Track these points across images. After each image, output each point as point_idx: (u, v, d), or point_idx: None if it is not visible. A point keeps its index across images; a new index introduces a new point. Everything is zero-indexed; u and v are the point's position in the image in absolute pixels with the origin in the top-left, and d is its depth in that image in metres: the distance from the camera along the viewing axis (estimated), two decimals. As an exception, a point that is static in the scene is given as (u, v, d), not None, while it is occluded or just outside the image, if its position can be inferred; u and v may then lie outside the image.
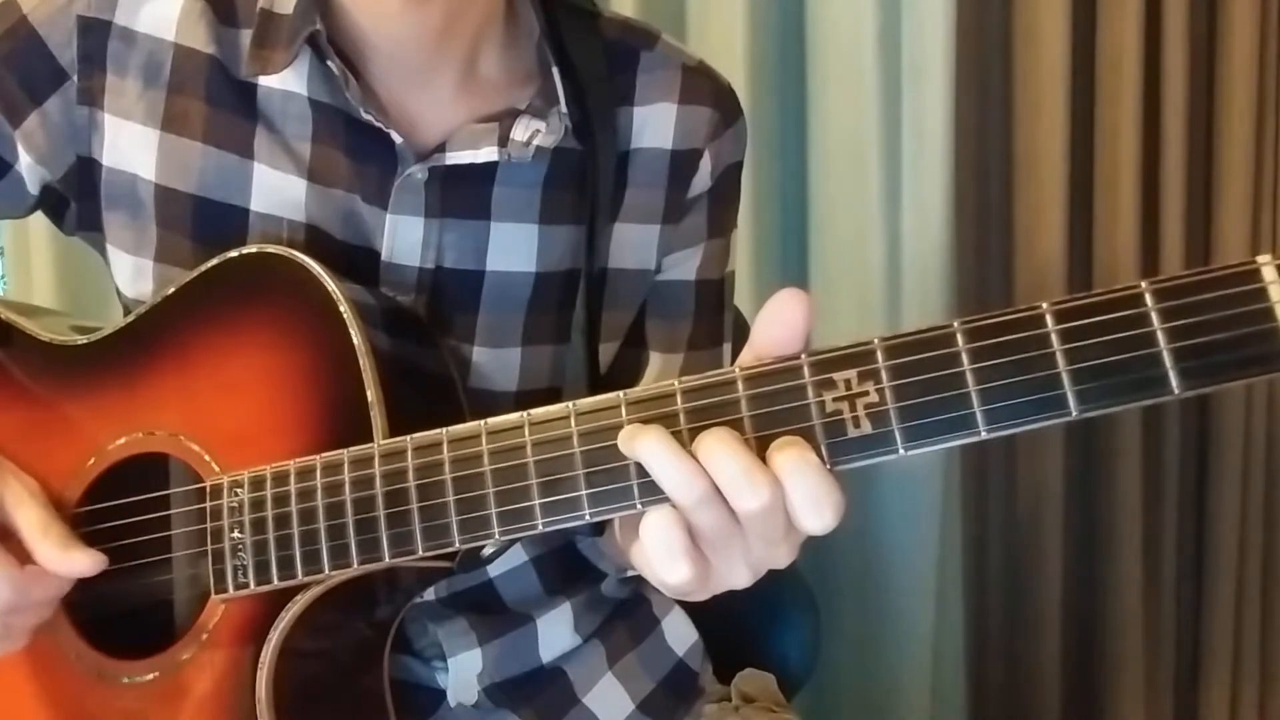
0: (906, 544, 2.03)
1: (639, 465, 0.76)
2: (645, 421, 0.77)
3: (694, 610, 1.33)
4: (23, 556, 0.93)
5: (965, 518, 2.10)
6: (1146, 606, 2.18)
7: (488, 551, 0.97)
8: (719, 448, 0.73)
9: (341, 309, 0.93)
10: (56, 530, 0.94)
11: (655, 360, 1.17)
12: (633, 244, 1.14)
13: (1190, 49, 2.04)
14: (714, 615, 1.34)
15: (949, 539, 2.06)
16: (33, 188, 1.09)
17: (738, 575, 0.79)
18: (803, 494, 0.73)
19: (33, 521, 0.94)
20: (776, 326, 0.76)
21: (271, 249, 0.98)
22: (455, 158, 1.04)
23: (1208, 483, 2.19)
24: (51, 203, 1.11)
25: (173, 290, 1.01)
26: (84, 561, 0.93)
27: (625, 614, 1.27)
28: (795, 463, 0.72)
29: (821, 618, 1.59)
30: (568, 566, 1.23)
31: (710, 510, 0.74)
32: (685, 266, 1.17)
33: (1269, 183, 2.12)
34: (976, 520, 2.16)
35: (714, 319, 1.20)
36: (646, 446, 0.75)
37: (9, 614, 0.93)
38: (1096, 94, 2.08)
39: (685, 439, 0.76)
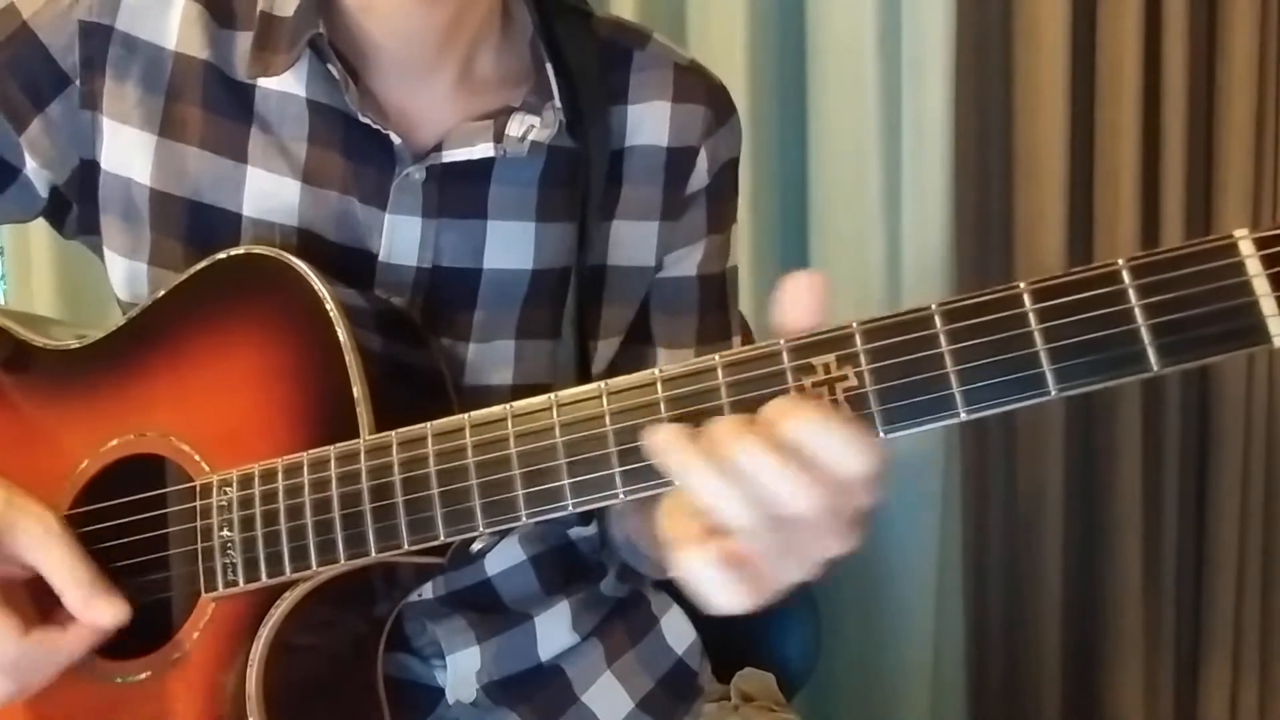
0: (906, 544, 2.03)
1: (620, 454, 0.77)
2: (626, 411, 0.77)
3: (693, 609, 1.33)
4: (41, 605, 0.92)
5: (965, 518, 2.09)
6: (1146, 606, 2.17)
7: (477, 546, 0.97)
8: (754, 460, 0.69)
9: (328, 307, 0.93)
10: (84, 575, 0.92)
11: (663, 355, 1.17)
12: (631, 241, 1.15)
13: (1190, 49, 2.04)
14: (713, 614, 1.34)
15: (949, 539, 2.05)
16: (42, 190, 1.09)
17: (794, 576, 0.73)
18: (835, 460, 0.68)
19: (58, 568, 0.92)
20: (793, 310, 0.73)
21: (259, 250, 0.98)
22: (451, 155, 1.04)
23: (1208, 483, 2.19)
24: (56, 206, 1.12)
25: (163, 293, 1.02)
26: (106, 615, 0.92)
27: (624, 612, 1.27)
28: (813, 435, 0.68)
29: (821, 618, 1.59)
30: (566, 565, 1.23)
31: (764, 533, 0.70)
32: (687, 263, 1.18)
33: (1269, 182, 2.12)
34: (976, 520, 2.16)
35: (720, 313, 1.21)
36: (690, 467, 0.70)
37: (24, 676, 0.92)
38: (1096, 94, 2.07)
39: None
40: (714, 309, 1.20)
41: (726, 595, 0.70)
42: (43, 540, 0.92)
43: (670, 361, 1.13)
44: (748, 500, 0.68)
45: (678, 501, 0.73)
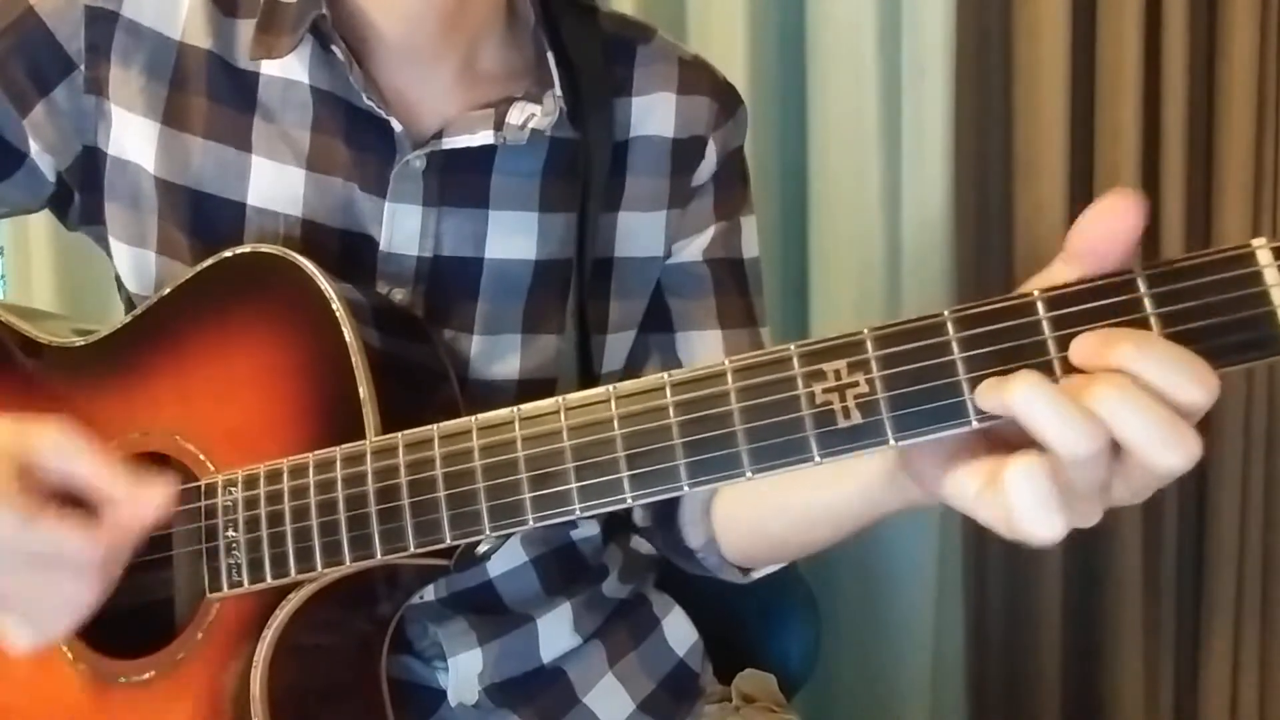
0: (906, 543, 2.03)
1: (628, 458, 0.76)
2: (634, 415, 0.77)
3: (694, 610, 1.33)
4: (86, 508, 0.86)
5: (965, 517, 2.08)
6: (1146, 606, 2.17)
7: (483, 549, 0.97)
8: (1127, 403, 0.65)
9: (334, 307, 0.93)
10: (119, 471, 0.86)
11: (685, 341, 1.18)
12: (638, 232, 1.15)
13: (1190, 49, 2.03)
14: (714, 615, 1.35)
15: (949, 538, 2.05)
16: (49, 175, 1.10)
17: (1093, 518, 0.70)
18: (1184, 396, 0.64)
19: (92, 468, 0.86)
20: (1096, 236, 0.68)
21: (266, 248, 0.98)
22: (452, 143, 1.05)
23: (1208, 483, 2.19)
24: (59, 194, 1.12)
25: (168, 291, 1.02)
26: (158, 498, 0.85)
27: (626, 614, 1.28)
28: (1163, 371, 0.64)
29: (821, 618, 1.58)
30: (567, 567, 1.23)
31: (1097, 467, 0.66)
32: (693, 248, 1.19)
33: (1269, 182, 2.11)
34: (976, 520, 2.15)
35: (740, 299, 1.20)
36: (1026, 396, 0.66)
37: (110, 572, 0.86)
38: (1096, 94, 2.07)
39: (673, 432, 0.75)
40: (732, 293, 1.20)
41: (1052, 520, 0.66)
42: (68, 446, 0.86)
43: (695, 347, 1.16)
44: (1095, 434, 0.64)
45: (970, 462, 0.72)
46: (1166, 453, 0.64)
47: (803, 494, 0.97)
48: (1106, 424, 0.64)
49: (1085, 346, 0.66)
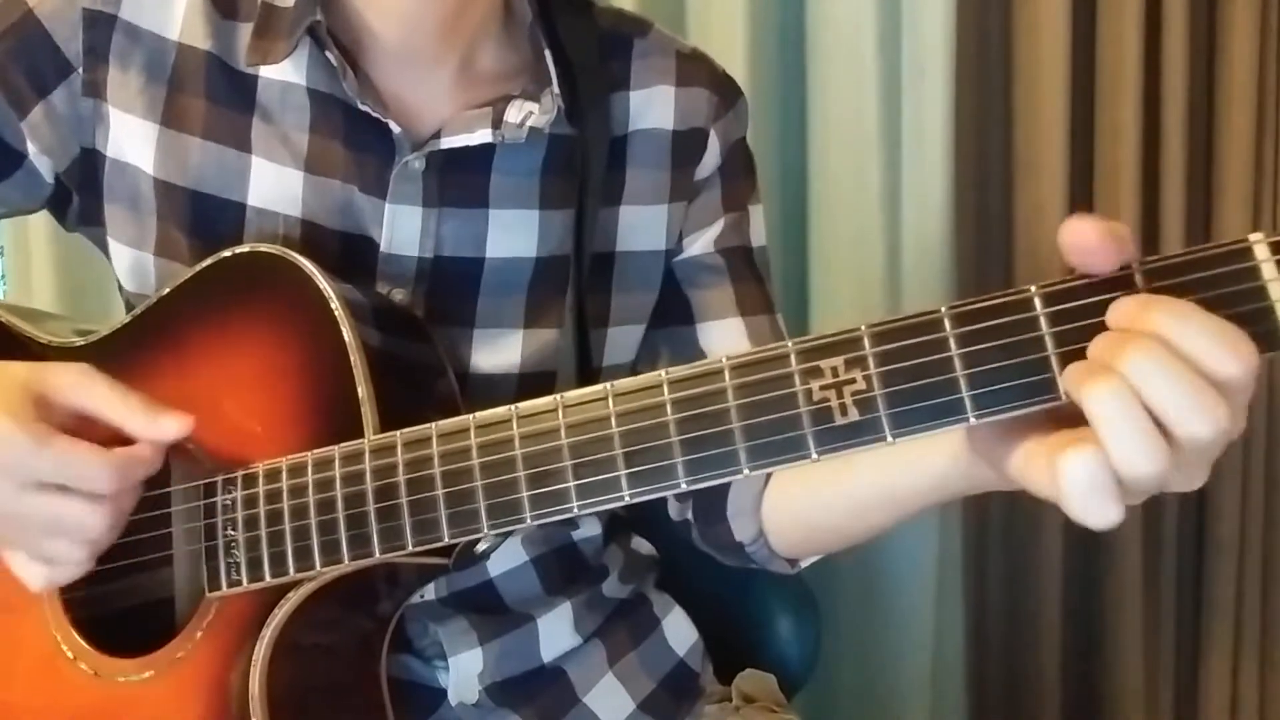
0: (906, 543, 2.02)
1: (626, 456, 0.76)
2: (632, 413, 0.77)
3: (694, 610, 1.33)
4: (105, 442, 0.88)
5: (965, 518, 2.09)
6: (1146, 606, 2.16)
7: (482, 547, 0.97)
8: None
9: (333, 306, 0.93)
10: (136, 400, 0.88)
11: (705, 331, 1.18)
12: (639, 225, 1.16)
13: (1190, 49, 2.03)
14: (714, 615, 1.34)
15: (949, 539, 2.05)
16: (48, 176, 1.10)
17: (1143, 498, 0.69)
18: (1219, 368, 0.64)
19: (109, 399, 0.88)
20: (1079, 244, 0.68)
21: (265, 248, 0.99)
22: (450, 143, 1.05)
23: (1208, 483, 2.17)
24: (58, 195, 1.12)
25: (168, 291, 1.02)
26: (174, 425, 0.88)
27: (626, 614, 1.28)
28: (1201, 339, 0.64)
29: (821, 618, 1.58)
30: (568, 566, 1.23)
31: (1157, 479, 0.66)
32: (704, 239, 1.19)
33: (1269, 182, 2.11)
34: (976, 520, 2.16)
35: (756, 285, 1.20)
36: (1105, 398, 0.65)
37: (123, 503, 0.89)
38: (1096, 94, 2.07)
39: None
40: (747, 280, 1.20)
41: (1107, 509, 0.66)
42: (85, 382, 0.88)
43: (717, 336, 1.16)
44: (1161, 455, 0.64)
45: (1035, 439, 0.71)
46: (1193, 418, 0.64)
47: (863, 484, 0.99)
48: (1134, 386, 0.64)
49: (1124, 310, 0.66)
